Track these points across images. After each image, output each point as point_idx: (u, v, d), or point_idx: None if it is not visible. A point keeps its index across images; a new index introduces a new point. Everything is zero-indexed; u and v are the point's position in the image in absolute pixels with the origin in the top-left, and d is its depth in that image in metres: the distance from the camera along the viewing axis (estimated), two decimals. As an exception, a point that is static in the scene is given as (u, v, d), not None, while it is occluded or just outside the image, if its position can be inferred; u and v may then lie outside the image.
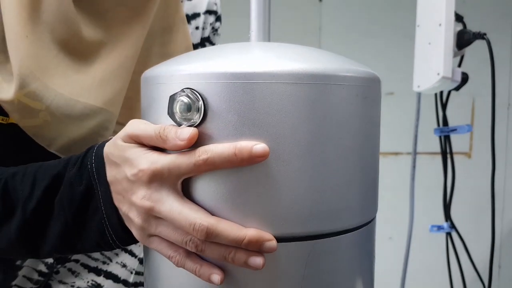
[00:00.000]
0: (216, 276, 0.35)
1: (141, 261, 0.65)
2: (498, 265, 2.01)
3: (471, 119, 2.00)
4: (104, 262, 0.62)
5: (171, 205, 0.36)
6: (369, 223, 0.40)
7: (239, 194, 0.35)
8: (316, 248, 0.36)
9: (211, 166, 0.34)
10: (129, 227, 0.40)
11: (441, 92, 0.86)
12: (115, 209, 0.40)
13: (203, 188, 0.36)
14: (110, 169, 0.40)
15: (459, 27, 0.71)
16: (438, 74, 0.66)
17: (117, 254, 0.63)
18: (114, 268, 0.63)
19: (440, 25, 0.67)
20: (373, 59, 1.89)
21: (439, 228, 0.85)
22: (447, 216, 0.87)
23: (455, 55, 0.69)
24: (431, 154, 1.84)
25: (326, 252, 0.36)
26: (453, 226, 0.85)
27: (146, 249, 0.42)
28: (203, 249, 0.35)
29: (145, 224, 0.38)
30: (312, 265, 0.35)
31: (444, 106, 0.87)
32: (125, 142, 0.39)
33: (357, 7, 1.95)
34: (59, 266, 0.59)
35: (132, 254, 0.64)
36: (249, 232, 0.34)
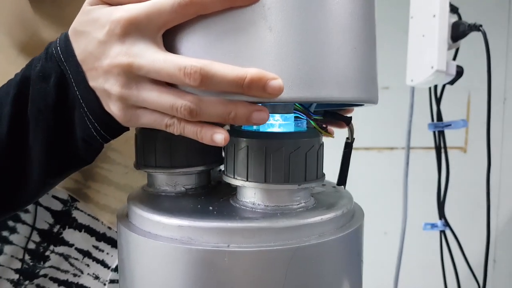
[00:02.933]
0: (219, 135, 0.32)
1: (115, 270, 0.62)
2: (493, 259, 2.01)
3: (467, 113, 1.99)
4: (75, 275, 0.58)
5: (153, 55, 0.31)
6: (356, 228, 0.38)
7: (229, 44, 0.31)
8: (297, 254, 0.33)
9: (198, 7, 0.30)
10: (108, 109, 0.35)
11: (436, 87, 0.84)
12: (92, 92, 0.35)
13: (186, 43, 0.32)
14: (78, 43, 0.35)
15: (454, 18, 0.69)
16: (432, 67, 0.64)
17: (88, 265, 0.60)
18: (85, 280, 0.59)
19: (434, 16, 0.64)
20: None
21: (433, 226, 0.83)
22: (441, 214, 0.85)
23: (449, 48, 0.66)
24: (426, 148, 1.82)
25: (308, 258, 0.34)
26: (447, 224, 0.83)
27: (120, 253, 0.40)
28: (198, 110, 0.31)
29: (125, 90, 0.33)
30: (293, 273, 0.33)
31: (438, 101, 0.85)
32: (92, 5, 0.34)
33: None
34: (26, 282, 0.56)
35: (104, 265, 0.61)
36: (250, 70, 0.30)
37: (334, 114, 0.42)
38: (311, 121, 0.42)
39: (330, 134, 0.40)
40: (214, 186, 0.45)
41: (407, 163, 0.85)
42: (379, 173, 1.98)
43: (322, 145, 0.38)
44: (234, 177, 0.37)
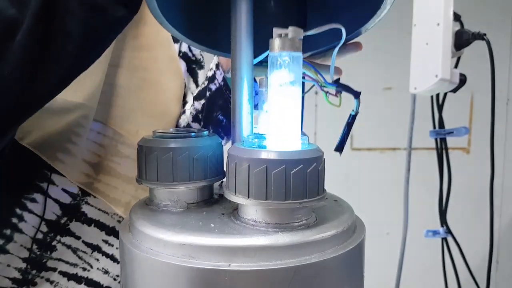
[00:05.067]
0: None
1: None
2: (496, 260, 2.01)
3: (470, 114, 1.98)
4: (84, 269, 0.60)
5: None
6: (357, 245, 0.38)
7: None
8: (298, 273, 0.33)
9: None
10: None
11: (438, 93, 0.84)
12: None
13: None
14: None
15: (457, 26, 0.68)
16: (436, 76, 0.63)
17: (97, 260, 0.61)
18: (95, 275, 0.61)
19: (438, 24, 0.64)
20: (371, 54, 1.86)
21: (435, 233, 0.83)
22: (443, 221, 0.84)
23: (453, 56, 0.66)
24: (429, 149, 1.81)
25: (309, 277, 0.34)
26: (449, 231, 0.83)
27: (123, 269, 0.40)
28: None
29: None
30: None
31: (440, 108, 0.85)
32: None
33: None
34: (34, 271, 0.57)
35: (114, 259, 0.62)
36: None
37: (346, 87, 0.43)
38: (322, 91, 0.43)
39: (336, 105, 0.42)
40: (215, 200, 0.45)
41: (408, 170, 0.85)
42: (382, 173, 1.98)
43: (323, 162, 0.38)
44: (235, 195, 0.37)
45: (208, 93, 0.65)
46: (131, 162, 0.60)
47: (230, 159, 0.37)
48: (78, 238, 0.59)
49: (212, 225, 0.37)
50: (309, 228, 0.37)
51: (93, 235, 0.60)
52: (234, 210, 0.40)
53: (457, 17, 0.69)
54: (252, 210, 0.37)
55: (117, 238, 0.62)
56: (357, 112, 0.45)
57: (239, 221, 0.38)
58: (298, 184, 0.35)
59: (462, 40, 0.65)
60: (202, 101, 0.66)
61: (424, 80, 0.66)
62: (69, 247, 0.59)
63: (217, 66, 0.64)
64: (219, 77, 0.63)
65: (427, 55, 0.66)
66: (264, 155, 0.35)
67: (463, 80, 0.66)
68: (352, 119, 0.46)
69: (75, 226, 0.59)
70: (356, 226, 0.42)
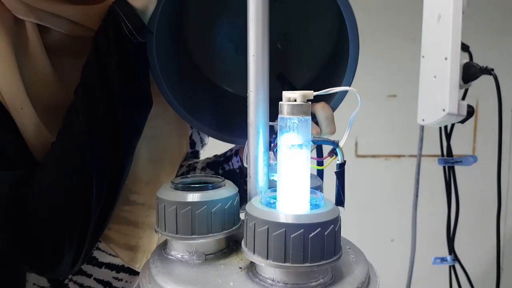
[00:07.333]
0: None
1: None
2: (501, 267, 2.01)
3: (475, 121, 1.99)
4: None
5: None
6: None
7: None
8: None
9: None
10: None
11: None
12: None
13: None
14: None
15: (465, 57, 0.69)
16: (444, 110, 0.64)
17: None
18: None
19: (446, 59, 0.65)
20: (376, 61, 1.87)
21: (442, 260, 0.84)
22: (451, 250, 0.85)
23: (460, 88, 0.67)
24: (434, 156, 1.82)
25: None
26: (456, 258, 0.84)
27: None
28: None
29: None
30: None
31: (448, 136, 0.86)
32: None
33: (361, 8, 1.92)
34: None
35: None
36: None
37: (322, 140, 0.44)
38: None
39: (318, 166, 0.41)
40: (232, 249, 0.46)
41: (417, 191, 0.86)
42: (386, 180, 1.99)
43: (339, 221, 0.39)
44: (254, 254, 0.38)
45: (220, 171, 0.66)
46: (141, 207, 0.62)
47: (248, 218, 0.39)
48: (89, 276, 0.61)
49: (232, 283, 0.39)
50: (326, 287, 0.38)
51: (104, 274, 0.63)
52: (252, 263, 0.42)
53: (465, 48, 0.70)
54: (270, 270, 0.38)
55: (126, 273, 0.64)
56: (343, 161, 0.44)
57: (257, 278, 0.39)
58: (316, 247, 0.36)
59: (469, 73, 0.65)
60: (212, 173, 0.68)
61: (431, 113, 0.67)
62: (81, 285, 0.61)
63: (236, 153, 0.66)
64: (235, 163, 0.65)
65: (434, 89, 0.67)
66: (282, 218, 0.37)
67: (470, 112, 0.67)
68: (339, 168, 0.44)
69: (87, 267, 0.61)
70: (370, 277, 0.43)
